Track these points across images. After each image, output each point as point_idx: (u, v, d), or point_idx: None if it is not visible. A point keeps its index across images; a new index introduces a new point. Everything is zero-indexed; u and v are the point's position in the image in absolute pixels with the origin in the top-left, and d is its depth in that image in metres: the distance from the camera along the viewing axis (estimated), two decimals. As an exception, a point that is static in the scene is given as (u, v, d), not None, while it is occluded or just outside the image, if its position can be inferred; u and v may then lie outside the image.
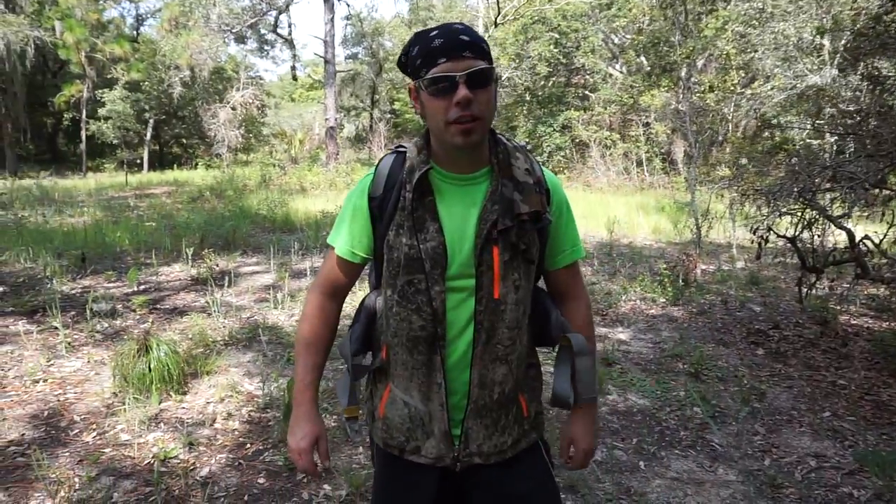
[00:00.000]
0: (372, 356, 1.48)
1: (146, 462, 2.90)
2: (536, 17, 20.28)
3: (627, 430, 3.33)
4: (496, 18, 20.06)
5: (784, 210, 4.49)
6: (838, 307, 5.37)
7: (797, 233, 4.68)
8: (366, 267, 1.48)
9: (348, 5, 52.79)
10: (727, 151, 13.30)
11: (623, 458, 3.03)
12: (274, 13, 20.59)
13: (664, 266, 6.58)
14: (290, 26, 50.59)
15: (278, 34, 23.35)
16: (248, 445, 3.10)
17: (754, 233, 4.69)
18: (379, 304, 1.43)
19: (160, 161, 30.01)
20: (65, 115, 27.55)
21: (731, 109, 15.72)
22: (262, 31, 29.30)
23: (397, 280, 1.32)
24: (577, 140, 20.30)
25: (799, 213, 4.60)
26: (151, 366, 3.53)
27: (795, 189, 4.35)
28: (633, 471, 2.92)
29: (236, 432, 3.24)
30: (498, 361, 1.32)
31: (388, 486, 1.45)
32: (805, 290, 5.05)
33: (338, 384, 1.50)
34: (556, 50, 20.19)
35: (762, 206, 4.71)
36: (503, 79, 21.27)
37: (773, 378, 4.05)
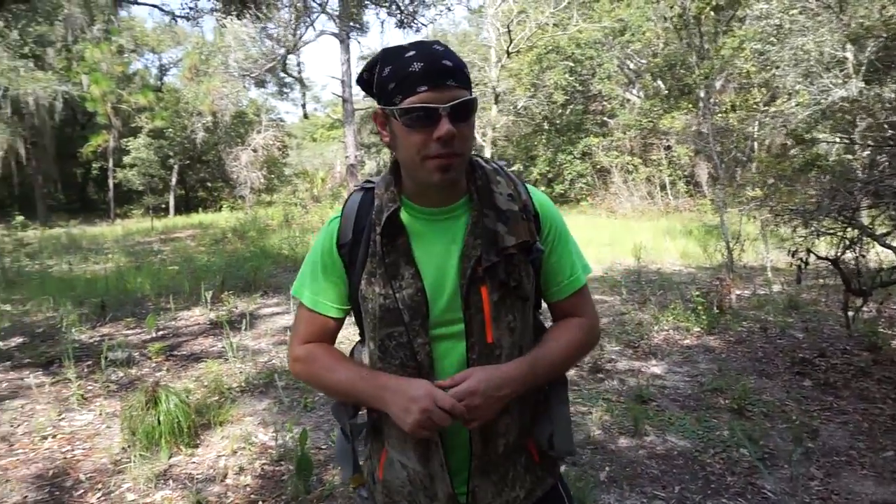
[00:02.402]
0: (367, 414, 1.32)
1: (151, 526, 2.72)
2: (550, 47, 20.36)
3: (668, 477, 3.06)
4: (508, 48, 20.17)
5: (823, 230, 4.22)
6: (889, 331, 5.02)
7: (839, 253, 4.39)
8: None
9: (365, 45, 53.94)
10: (753, 170, 12.98)
11: (666, 510, 2.76)
12: (285, 54, 20.95)
13: (696, 292, 6.27)
14: (299, 65, 51.43)
15: (287, 73, 23.65)
16: (260, 503, 2.91)
17: (793, 255, 4.41)
18: (366, 358, 1.27)
19: (186, 205, 30.50)
20: (93, 165, 28.29)
21: (756, 128, 15.43)
22: (281, 75, 29.87)
23: (376, 334, 1.17)
24: (599, 166, 20.15)
25: (839, 233, 4.32)
26: (161, 419, 3.38)
27: (834, 207, 4.09)
28: (678, 524, 2.65)
29: (248, 488, 3.05)
30: (500, 411, 1.15)
31: None
32: (852, 314, 4.73)
33: (336, 451, 1.36)
34: (571, 78, 20.22)
35: (798, 227, 4.44)
36: (520, 108, 21.33)
37: (824, 413, 3.73)
